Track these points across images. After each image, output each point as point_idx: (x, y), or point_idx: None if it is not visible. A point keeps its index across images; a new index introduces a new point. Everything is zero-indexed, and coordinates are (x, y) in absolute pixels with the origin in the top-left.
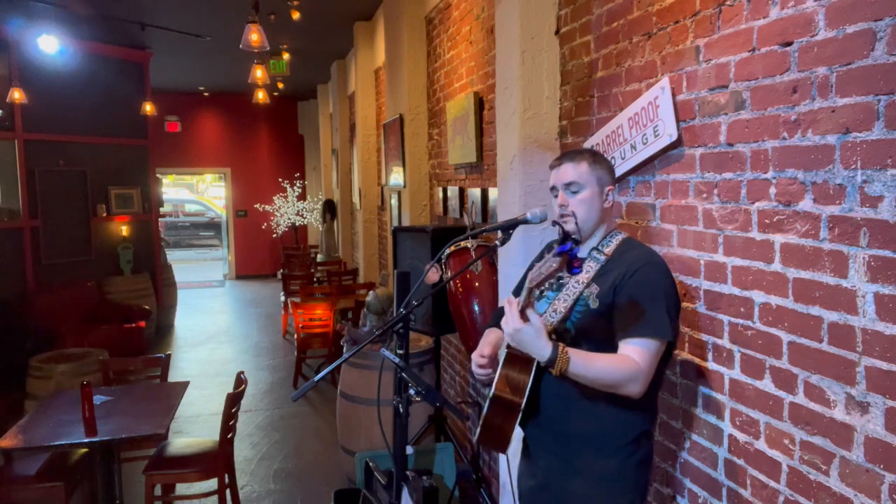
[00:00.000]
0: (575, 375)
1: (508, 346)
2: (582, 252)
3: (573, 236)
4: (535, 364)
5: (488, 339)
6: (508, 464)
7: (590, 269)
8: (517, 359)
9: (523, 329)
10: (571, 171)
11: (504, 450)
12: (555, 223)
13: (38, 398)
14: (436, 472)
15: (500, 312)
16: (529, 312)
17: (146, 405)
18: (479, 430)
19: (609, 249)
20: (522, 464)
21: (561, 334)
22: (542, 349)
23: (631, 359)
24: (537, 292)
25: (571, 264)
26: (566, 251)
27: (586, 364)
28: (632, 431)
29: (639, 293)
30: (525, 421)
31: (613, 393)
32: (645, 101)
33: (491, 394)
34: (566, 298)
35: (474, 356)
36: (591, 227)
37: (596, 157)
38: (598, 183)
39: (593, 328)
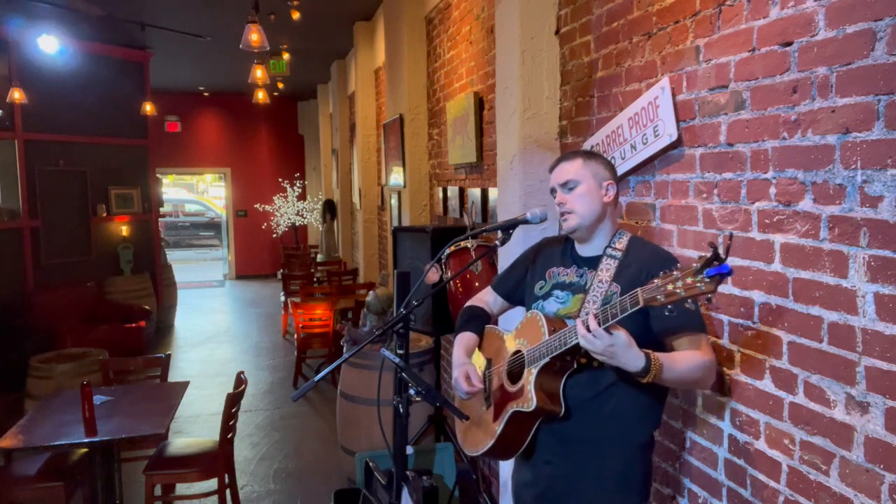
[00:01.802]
0: (664, 380)
1: (552, 358)
2: (595, 251)
3: (721, 255)
4: (567, 372)
5: (463, 347)
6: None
7: (609, 266)
8: (552, 368)
9: (616, 344)
10: (566, 168)
11: (511, 457)
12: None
13: (38, 398)
14: (436, 472)
15: (470, 312)
16: (619, 330)
17: (146, 405)
18: (493, 442)
19: (621, 245)
20: (522, 468)
21: None
22: (635, 359)
23: (702, 352)
24: (560, 293)
25: (717, 285)
26: (727, 272)
27: (674, 366)
28: (642, 435)
29: None
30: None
31: (635, 390)
32: (645, 101)
33: (532, 407)
34: (595, 300)
35: (460, 377)
36: (592, 222)
37: (590, 154)
38: (595, 177)
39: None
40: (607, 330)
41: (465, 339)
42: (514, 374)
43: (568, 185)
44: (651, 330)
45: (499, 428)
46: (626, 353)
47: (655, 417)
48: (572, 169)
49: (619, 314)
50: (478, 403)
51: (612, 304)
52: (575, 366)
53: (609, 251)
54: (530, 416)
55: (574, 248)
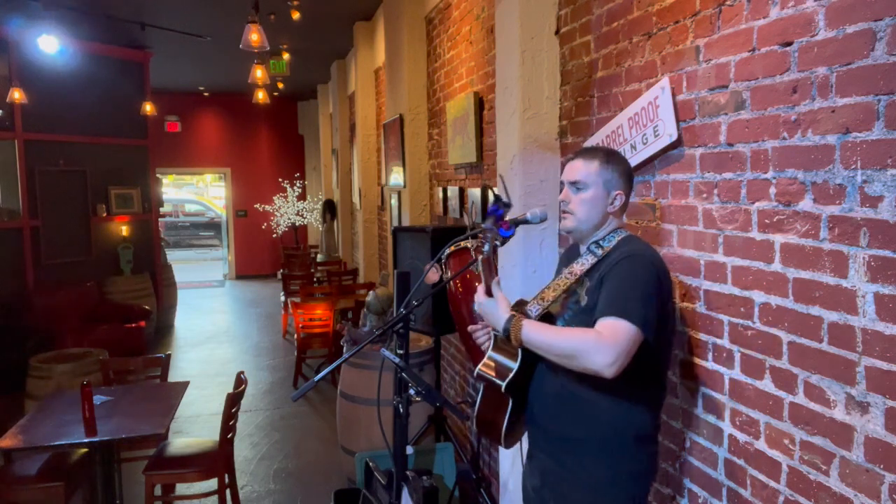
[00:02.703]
0: (529, 343)
1: (493, 331)
2: (581, 248)
3: (503, 200)
4: (519, 349)
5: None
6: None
7: (586, 262)
8: (502, 344)
9: (485, 301)
10: (580, 168)
11: (499, 442)
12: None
13: (38, 398)
14: (436, 472)
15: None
16: (495, 288)
17: (146, 405)
18: (474, 420)
19: (609, 246)
20: (526, 463)
21: None
22: (499, 319)
23: (592, 330)
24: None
25: (501, 226)
26: (492, 212)
27: (541, 332)
28: (626, 437)
29: (614, 280)
30: (524, 420)
31: (610, 391)
32: (645, 101)
33: (476, 371)
34: (556, 288)
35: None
36: (589, 229)
37: (610, 159)
38: (605, 185)
39: (584, 325)
40: (489, 292)
41: None
42: None
43: (577, 185)
44: None
45: (477, 401)
46: (494, 311)
47: (638, 421)
48: (585, 170)
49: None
50: None
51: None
52: (517, 348)
53: (592, 247)
54: (486, 387)
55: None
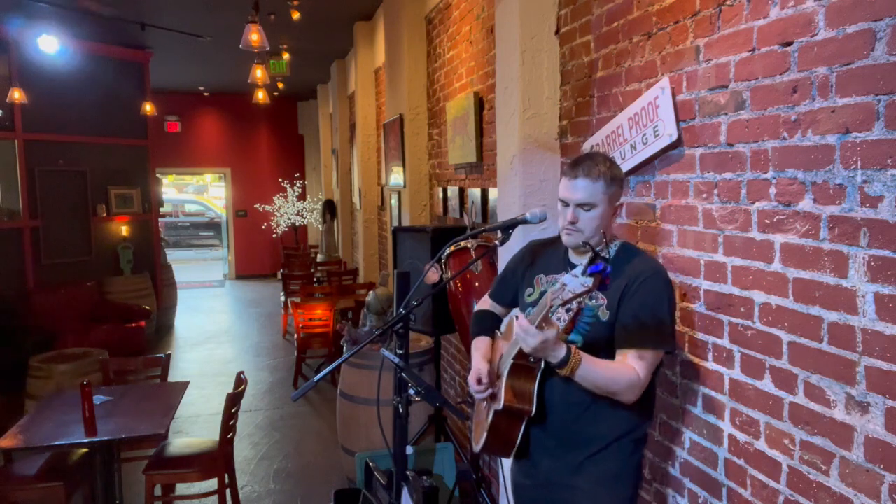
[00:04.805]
0: (581, 378)
1: (514, 358)
2: (582, 259)
3: (601, 253)
4: (539, 372)
5: (481, 351)
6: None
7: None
8: (522, 369)
9: (548, 338)
10: (588, 189)
11: (509, 455)
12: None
13: (38, 398)
14: (436, 472)
15: (480, 316)
16: (546, 325)
17: (146, 405)
18: (483, 439)
19: (609, 256)
20: (522, 461)
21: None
22: (558, 352)
23: (632, 368)
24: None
25: (604, 283)
26: (599, 271)
27: (594, 369)
28: (637, 433)
29: (646, 304)
30: (528, 424)
31: (615, 400)
32: (645, 101)
33: (500, 406)
34: (554, 301)
35: (472, 380)
36: (594, 240)
37: (613, 173)
38: (610, 201)
39: (605, 339)
40: (541, 328)
41: (479, 344)
42: (499, 374)
43: (584, 207)
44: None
45: (487, 424)
46: (555, 347)
47: (647, 413)
48: (593, 191)
49: (542, 313)
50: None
51: (541, 306)
52: (542, 365)
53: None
54: (504, 414)
55: (567, 255)
